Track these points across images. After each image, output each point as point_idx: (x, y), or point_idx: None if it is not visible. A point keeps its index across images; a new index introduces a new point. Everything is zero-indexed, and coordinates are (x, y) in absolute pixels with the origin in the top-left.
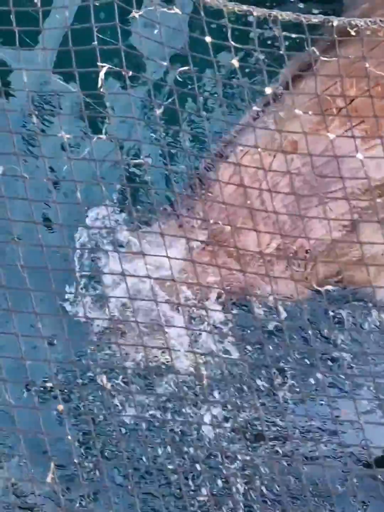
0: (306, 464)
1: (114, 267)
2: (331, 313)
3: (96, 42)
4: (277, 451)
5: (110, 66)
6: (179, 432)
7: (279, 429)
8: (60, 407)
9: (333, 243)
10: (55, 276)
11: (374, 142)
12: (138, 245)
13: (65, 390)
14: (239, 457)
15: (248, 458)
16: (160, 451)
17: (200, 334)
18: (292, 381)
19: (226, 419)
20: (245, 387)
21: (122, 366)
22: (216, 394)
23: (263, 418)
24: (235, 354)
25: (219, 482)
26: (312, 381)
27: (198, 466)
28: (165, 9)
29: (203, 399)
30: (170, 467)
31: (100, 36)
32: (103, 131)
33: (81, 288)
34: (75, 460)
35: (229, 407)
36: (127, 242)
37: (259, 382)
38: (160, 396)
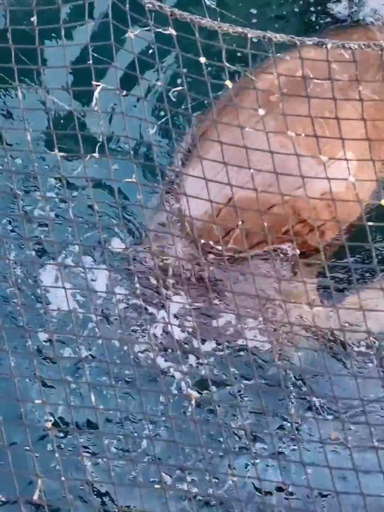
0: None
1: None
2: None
3: (91, 61)
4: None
5: (104, 85)
6: (168, 450)
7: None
8: (48, 424)
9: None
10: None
11: None
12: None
13: (53, 408)
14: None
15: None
16: (148, 469)
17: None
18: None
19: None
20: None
21: (110, 384)
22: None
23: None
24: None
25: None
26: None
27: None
28: (160, 30)
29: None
30: (156, 486)
31: (95, 55)
32: (97, 149)
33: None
34: (63, 478)
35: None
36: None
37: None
38: (149, 414)
